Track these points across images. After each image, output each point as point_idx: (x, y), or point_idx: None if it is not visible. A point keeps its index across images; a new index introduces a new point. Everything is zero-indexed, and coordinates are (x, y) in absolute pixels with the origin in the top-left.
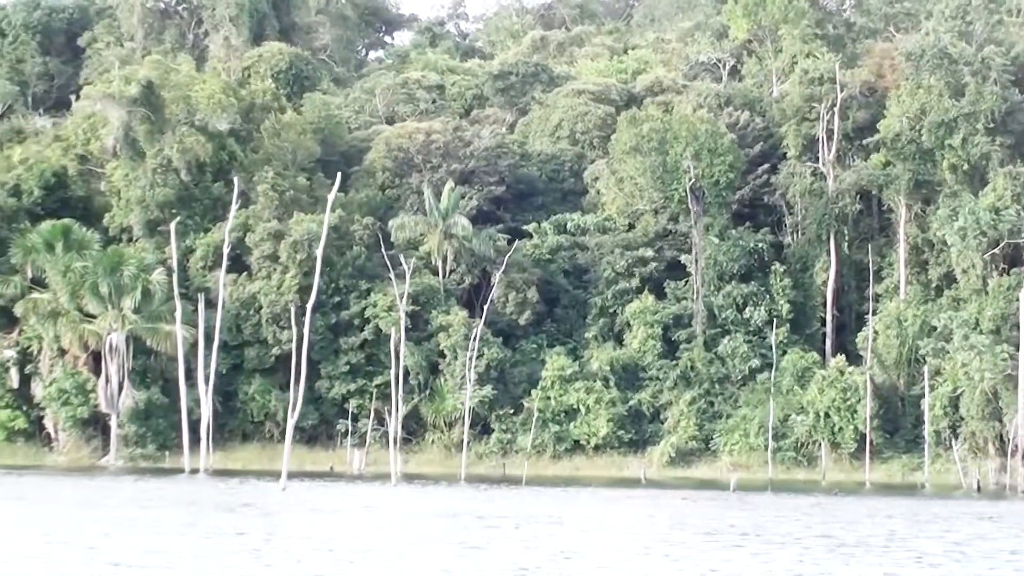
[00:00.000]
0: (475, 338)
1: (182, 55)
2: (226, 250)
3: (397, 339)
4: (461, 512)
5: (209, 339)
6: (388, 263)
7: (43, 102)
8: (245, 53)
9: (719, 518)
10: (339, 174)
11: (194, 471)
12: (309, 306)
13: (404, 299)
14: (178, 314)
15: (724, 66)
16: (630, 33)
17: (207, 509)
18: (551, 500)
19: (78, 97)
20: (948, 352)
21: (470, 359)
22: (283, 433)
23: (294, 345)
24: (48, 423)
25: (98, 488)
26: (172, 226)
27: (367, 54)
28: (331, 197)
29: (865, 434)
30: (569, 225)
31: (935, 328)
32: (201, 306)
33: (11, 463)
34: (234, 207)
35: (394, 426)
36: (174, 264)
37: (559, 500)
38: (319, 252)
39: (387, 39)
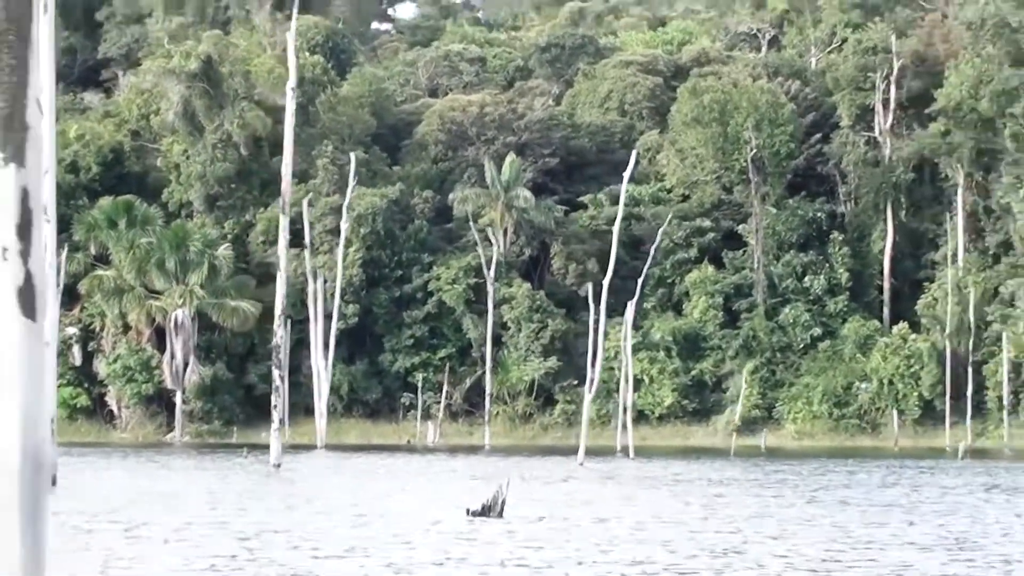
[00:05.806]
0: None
1: (240, 30)
2: (344, 225)
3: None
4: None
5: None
6: (473, 231)
7: (65, 77)
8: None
9: None
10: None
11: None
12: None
13: (493, 267)
14: (310, 288)
15: (764, 36)
16: (655, 4)
17: (632, 487)
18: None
19: (100, 72)
20: (1012, 318)
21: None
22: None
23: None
24: (111, 400)
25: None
26: (304, 202)
27: (370, 26)
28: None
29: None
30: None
31: (997, 294)
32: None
33: (75, 440)
34: (352, 182)
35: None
36: (307, 240)
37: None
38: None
39: (390, 11)
